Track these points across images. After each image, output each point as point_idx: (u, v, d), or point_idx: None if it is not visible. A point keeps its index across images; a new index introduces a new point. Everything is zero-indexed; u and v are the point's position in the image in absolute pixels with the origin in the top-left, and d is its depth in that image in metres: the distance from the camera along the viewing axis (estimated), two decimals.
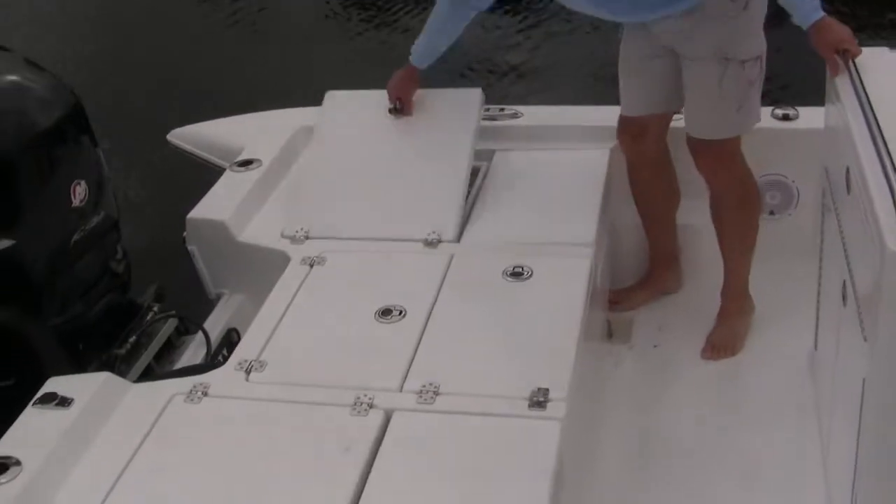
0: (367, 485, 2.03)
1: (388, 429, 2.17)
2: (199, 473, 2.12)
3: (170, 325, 3.03)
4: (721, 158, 2.89)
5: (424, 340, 2.43)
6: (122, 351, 2.80)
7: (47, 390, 2.33)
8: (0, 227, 2.50)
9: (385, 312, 2.53)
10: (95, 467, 2.17)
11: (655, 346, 3.15)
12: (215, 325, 3.01)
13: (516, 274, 2.61)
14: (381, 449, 2.12)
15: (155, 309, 3.00)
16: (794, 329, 2.95)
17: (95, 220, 2.70)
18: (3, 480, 2.10)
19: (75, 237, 2.64)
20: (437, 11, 3.00)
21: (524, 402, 2.18)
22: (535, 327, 2.44)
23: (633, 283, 3.32)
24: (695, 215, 3.12)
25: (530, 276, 2.60)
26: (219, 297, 3.16)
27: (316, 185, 3.04)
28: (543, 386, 2.20)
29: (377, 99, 3.14)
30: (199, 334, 2.93)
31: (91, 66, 6.99)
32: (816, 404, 2.72)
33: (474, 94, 3.13)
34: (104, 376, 2.40)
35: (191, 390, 2.33)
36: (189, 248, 3.10)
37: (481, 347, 2.39)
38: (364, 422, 2.19)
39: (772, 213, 3.29)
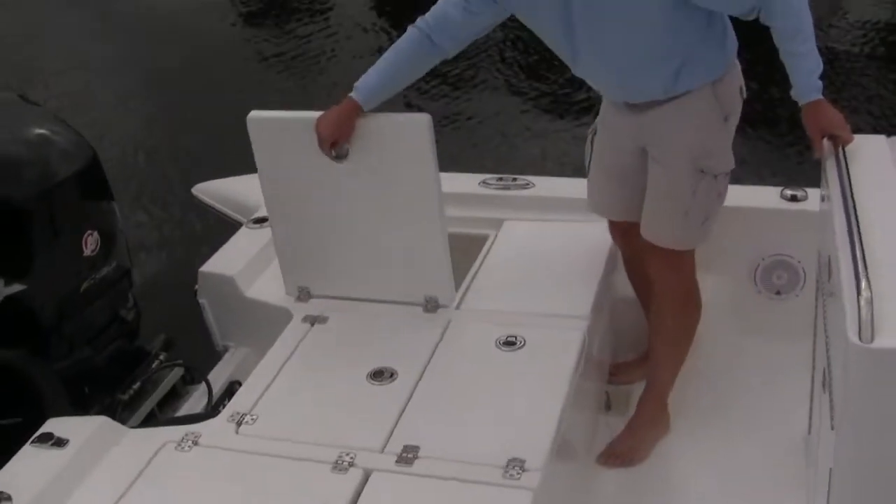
0: None
1: (364, 489, 2.22)
2: None
3: (175, 374, 3.12)
4: (672, 264, 2.77)
5: (411, 403, 2.48)
6: (126, 396, 2.88)
7: (45, 430, 2.42)
8: (13, 273, 2.61)
9: (377, 374, 2.59)
10: None
11: None
12: (220, 376, 3.09)
13: (509, 343, 2.65)
14: None
15: (161, 357, 3.08)
16: (793, 411, 2.95)
17: (106, 269, 2.80)
18: None
19: (85, 285, 2.74)
20: (398, 48, 2.67)
21: (500, 470, 2.22)
22: (522, 397, 2.48)
23: (635, 356, 3.34)
24: None
25: (523, 345, 2.65)
26: (225, 349, 3.24)
27: (307, 239, 2.95)
28: (521, 456, 2.24)
29: (308, 124, 2.70)
30: (204, 384, 3.01)
31: (141, 116, 7.20)
32: (807, 490, 2.71)
33: (422, 122, 2.65)
34: (101, 420, 2.48)
35: (182, 438, 2.41)
36: (200, 300, 3.19)
37: (466, 414, 2.44)
38: (343, 480, 2.24)
39: (778, 293, 3.30)
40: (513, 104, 7.03)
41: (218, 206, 3.73)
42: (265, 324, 2.99)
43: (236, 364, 3.14)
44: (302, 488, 2.24)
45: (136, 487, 2.28)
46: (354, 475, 2.26)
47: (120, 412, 2.84)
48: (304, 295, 2.98)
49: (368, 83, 2.65)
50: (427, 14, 2.64)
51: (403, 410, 2.46)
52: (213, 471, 2.33)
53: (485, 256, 3.12)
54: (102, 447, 2.41)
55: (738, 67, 2.67)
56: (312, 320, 2.87)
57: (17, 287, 2.62)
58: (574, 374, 2.54)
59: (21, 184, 2.63)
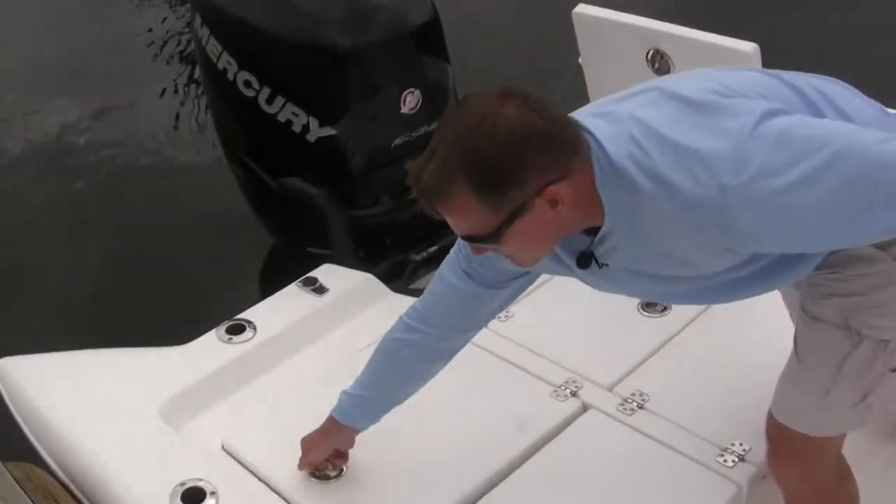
0: (514, 472, 1.96)
1: (571, 425, 2.07)
2: None
3: None
4: (799, 458, 1.83)
5: (667, 347, 2.24)
6: (419, 258, 2.90)
7: (313, 274, 2.52)
8: (328, 116, 2.68)
9: (648, 305, 2.37)
10: (314, 355, 2.32)
11: None
12: None
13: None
14: (554, 440, 2.03)
15: None
16: None
17: (424, 129, 2.78)
18: (236, 339, 2.33)
19: (398, 141, 2.74)
20: (400, 353, 1.90)
21: (715, 451, 1.95)
22: None
23: None
24: None
25: None
26: None
27: None
28: (747, 444, 1.95)
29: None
30: None
31: None
32: None
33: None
34: (365, 277, 2.52)
35: None
36: None
37: (719, 377, 2.15)
38: (556, 407, 2.11)
39: None
40: None
41: None
42: None
43: None
44: (515, 402, 2.14)
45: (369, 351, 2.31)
46: (570, 406, 2.10)
47: (409, 273, 2.87)
48: None
49: (355, 402, 1.92)
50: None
51: (656, 352, 2.24)
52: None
53: None
54: (358, 305, 2.46)
55: None
56: None
57: (329, 130, 2.69)
58: None
59: (354, 31, 2.65)
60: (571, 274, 1.67)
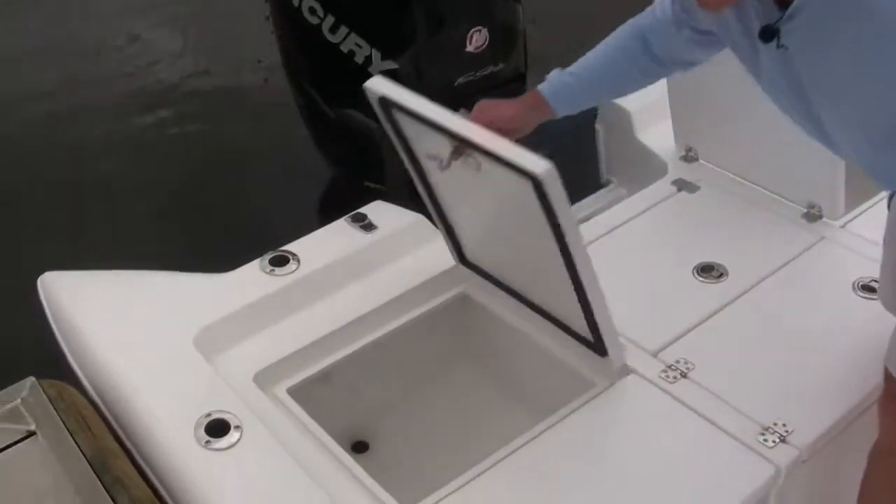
0: (549, 429, 1.91)
1: (613, 386, 1.99)
2: None
3: None
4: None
5: (717, 317, 2.15)
6: None
7: (362, 210, 2.46)
8: (390, 49, 2.61)
9: (706, 268, 2.27)
10: (356, 294, 2.27)
11: None
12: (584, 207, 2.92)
13: (868, 289, 2.17)
14: (592, 402, 1.97)
15: None
16: None
17: (491, 69, 2.69)
18: (278, 271, 2.29)
19: (461, 80, 2.66)
20: (614, 47, 1.98)
21: (757, 429, 1.86)
22: (845, 361, 2.03)
23: None
24: None
25: None
26: (608, 183, 3.06)
27: (703, 98, 2.56)
28: (790, 425, 1.86)
29: None
30: None
31: None
32: None
33: None
34: (416, 218, 2.46)
35: None
36: (596, 126, 3.01)
37: (766, 358, 2.05)
38: (598, 363, 2.04)
39: None
40: None
41: None
42: (644, 171, 2.75)
43: (608, 200, 2.94)
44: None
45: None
46: (610, 365, 2.03)
47: None
48: (691, 155, 2.67)
49: (566, 81, 1.98)
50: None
51: (706, 320, 2.15)
52: None
53: None
54: (406, 245, 2.40)
55: None
56: (681, 185, 2.57)
57: (392, 64, 2.62)
58: None
59: None
60: (752, 55, 1.66)
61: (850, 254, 2.31)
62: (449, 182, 2.04)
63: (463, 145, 1.80)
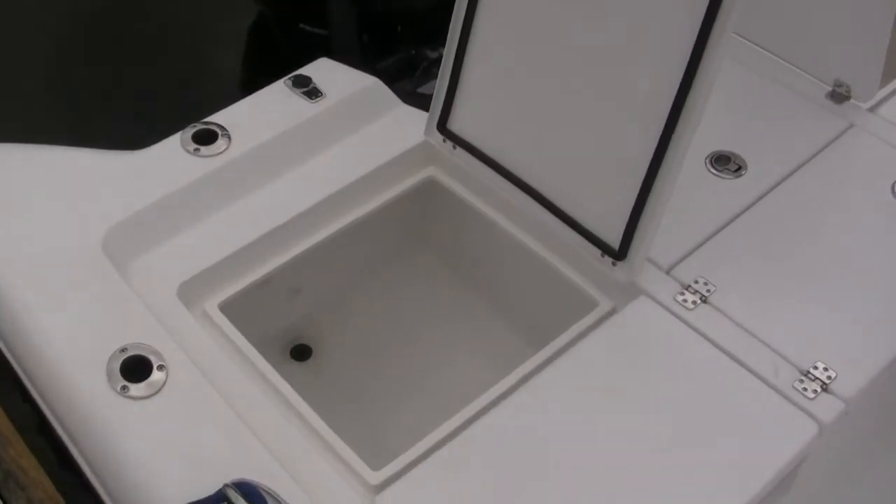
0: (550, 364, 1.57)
1: (620, 311, 1.66)
2: None
3: None
4: None
5: (740, 221, 1.80)
6: (435, 55, 2.38)
7: (306, 72, 2.01)
8: None
9: (720, 160, 1.91)
10: (299, 178, 1.86)
11: None
12: None
13: None
14: (596, 330, 1.63)
15: None
16: None
17: None
18: (204, 151, 1.85)
19: None
20: None
21: (794, 373, 1.55)
22: (889, 285, 1.71)
23: None
24: None
25: None
26: None
27: None
28: (832, 371, 1.55)
29: None
30: None
31: None
32: None
33: None
34: (370, 81, 2.02)
35: None
36: None
37: (802, 276, 1.72)
38: (601, 277, 1.70)
39: None
40: None
41: None
42: None
43: None
44: None
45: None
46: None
47: (419, 73, 2.36)
48: None
49: None
50: None
51: (727, 225, 1.79)
52: None
53: None
54: (360, 116, 1.97)
55: None
56: None
57: None
58: None
59: None
60: None
61: (885, 146, 1.97)
62: None
63: None
